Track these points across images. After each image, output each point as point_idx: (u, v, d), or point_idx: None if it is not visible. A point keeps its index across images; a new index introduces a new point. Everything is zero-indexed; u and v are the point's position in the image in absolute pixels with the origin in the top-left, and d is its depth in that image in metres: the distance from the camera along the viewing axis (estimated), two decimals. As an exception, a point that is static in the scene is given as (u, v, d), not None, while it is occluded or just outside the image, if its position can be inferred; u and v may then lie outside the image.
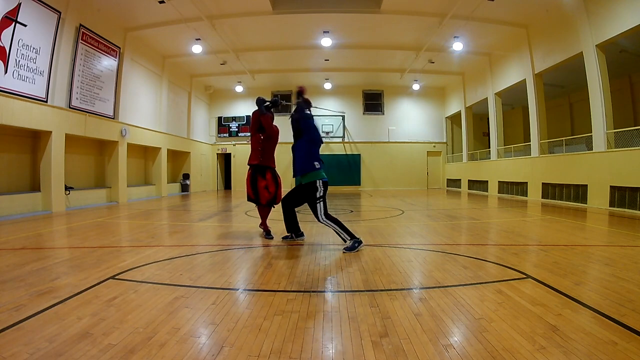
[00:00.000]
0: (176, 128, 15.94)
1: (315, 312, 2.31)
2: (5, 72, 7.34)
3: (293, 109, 4.51)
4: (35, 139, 8.84)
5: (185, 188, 16.59)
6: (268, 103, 4.97)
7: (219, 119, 19.73)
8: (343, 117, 19.50)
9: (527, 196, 12.00)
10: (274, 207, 5.08)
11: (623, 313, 2.20)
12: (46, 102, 8.45)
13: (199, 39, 12.26)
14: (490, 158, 14.93)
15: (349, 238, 4.16)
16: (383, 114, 19.79)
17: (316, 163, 4.18)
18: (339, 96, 19.58)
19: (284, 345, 1.86)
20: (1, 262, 3.65)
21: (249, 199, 4.97)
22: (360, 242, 4.16)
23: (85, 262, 3.64)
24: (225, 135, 19.73)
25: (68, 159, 9.45)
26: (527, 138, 12.96)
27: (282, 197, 4.62)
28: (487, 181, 15.05)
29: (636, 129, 7.99)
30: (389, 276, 3.10)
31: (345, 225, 4.24)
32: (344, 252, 4.02)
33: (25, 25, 7.68)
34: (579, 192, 9.66)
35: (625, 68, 11.48)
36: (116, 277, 3.10)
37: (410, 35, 12.67)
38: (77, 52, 9.44)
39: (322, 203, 4.19)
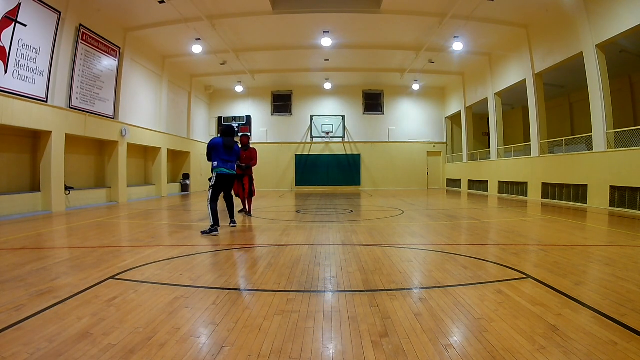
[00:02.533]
0: (176, 128, 15.94)
1: (315, 312, 2.31)
2: (5, 72, 7.34)
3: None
4: (35, 139, 8.84)
5: (185, 188, 16.59)
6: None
7: (219, 119, 19.71)
8: (343, 117, 19.52)
9: (527, 196, 11.99)
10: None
11: (623, 313, 2.20)
12: (46, 102, 8.45)
13: (199, 39, 12.26)
14: (490, 158, 14.92)
15: (211, 225, 5.30)
16: (383, 114, 19.79)
17: (215, 163, 5.62)
18: (339, 96, 19.59)
19: (284, 345, 1.87)
20: (1, 262, 3.65)
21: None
22: (215, 232, 5.28)
23: (85, 262, 3.64)
24: (225, 135, 19.71)
25: (68, 159, 9.45)
26: (527, 138, 12.96)
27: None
28: (487, 181, 15.04)
29: (636, 129, 7.99)
30: (389, 276, 3.10)
31: (218, 217, 5.38)
32: (201, 233, 5.34)
33: (25, 25, 7.68)
34: (579, 192, 9.66)
35: (625, 68, 11.48)
36: (116, 277, 3.10)
37: (410, 35, 12.67)
38: (77, 52, 9.44)
39: (210, 190, 5.60)
